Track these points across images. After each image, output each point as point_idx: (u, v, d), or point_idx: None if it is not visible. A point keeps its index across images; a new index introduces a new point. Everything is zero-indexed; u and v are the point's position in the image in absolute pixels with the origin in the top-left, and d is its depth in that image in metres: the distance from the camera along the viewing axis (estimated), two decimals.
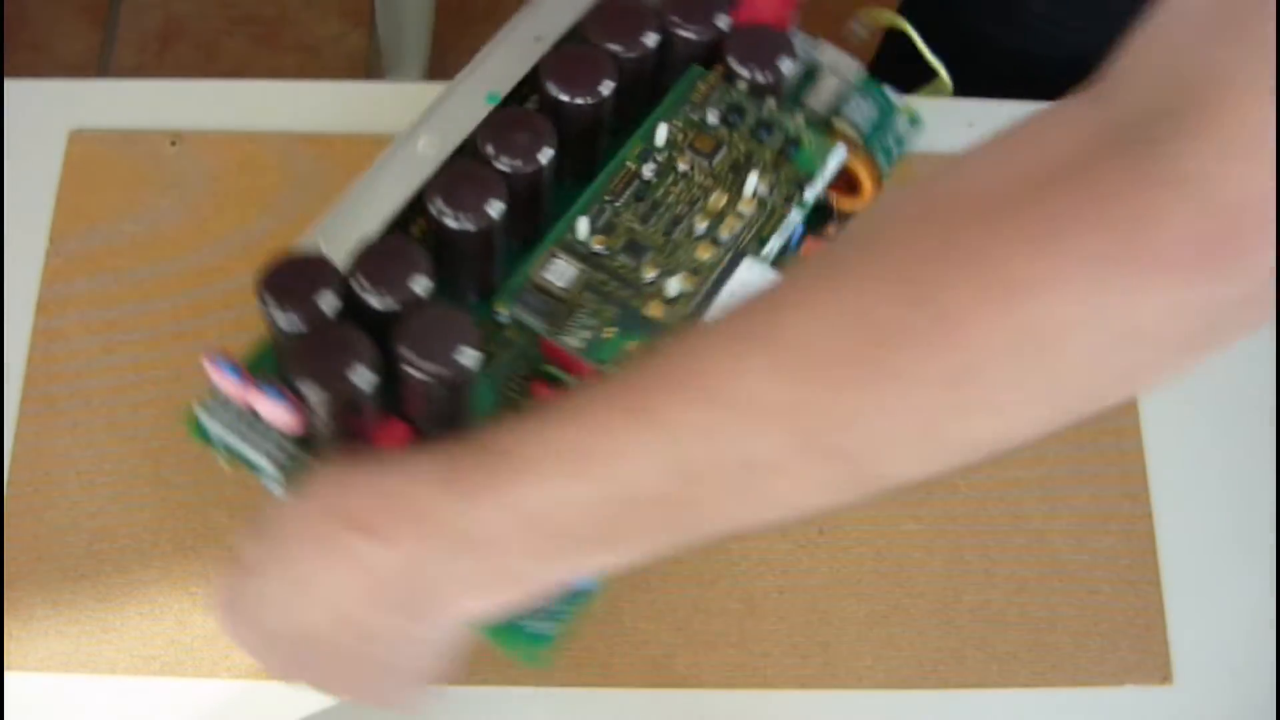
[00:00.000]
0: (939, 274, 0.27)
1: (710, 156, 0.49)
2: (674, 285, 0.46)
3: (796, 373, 0.28)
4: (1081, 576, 0.54)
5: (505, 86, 0.49)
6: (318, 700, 0.50)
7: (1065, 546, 0.54)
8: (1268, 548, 0.55)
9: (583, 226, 0.47)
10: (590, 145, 0.50)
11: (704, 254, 0.47)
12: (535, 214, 0.49)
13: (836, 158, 0.50)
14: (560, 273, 0.46)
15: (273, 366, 0.45)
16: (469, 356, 0.40)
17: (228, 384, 0.42)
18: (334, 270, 0.42)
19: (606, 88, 0.48)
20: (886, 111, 0.54)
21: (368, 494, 0.34)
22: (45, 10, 1.31)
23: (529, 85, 0.49)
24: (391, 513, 0.33)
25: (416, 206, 0.46)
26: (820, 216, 0.51)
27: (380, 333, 0.41)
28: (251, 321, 0.44)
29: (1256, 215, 0.26)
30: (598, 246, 0.47)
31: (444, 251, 0.45)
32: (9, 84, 0.60)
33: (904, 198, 0.31)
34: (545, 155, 0.46)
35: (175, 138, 0.59)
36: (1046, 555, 0.54)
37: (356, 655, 0.36)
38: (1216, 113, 0.26)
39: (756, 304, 0.31)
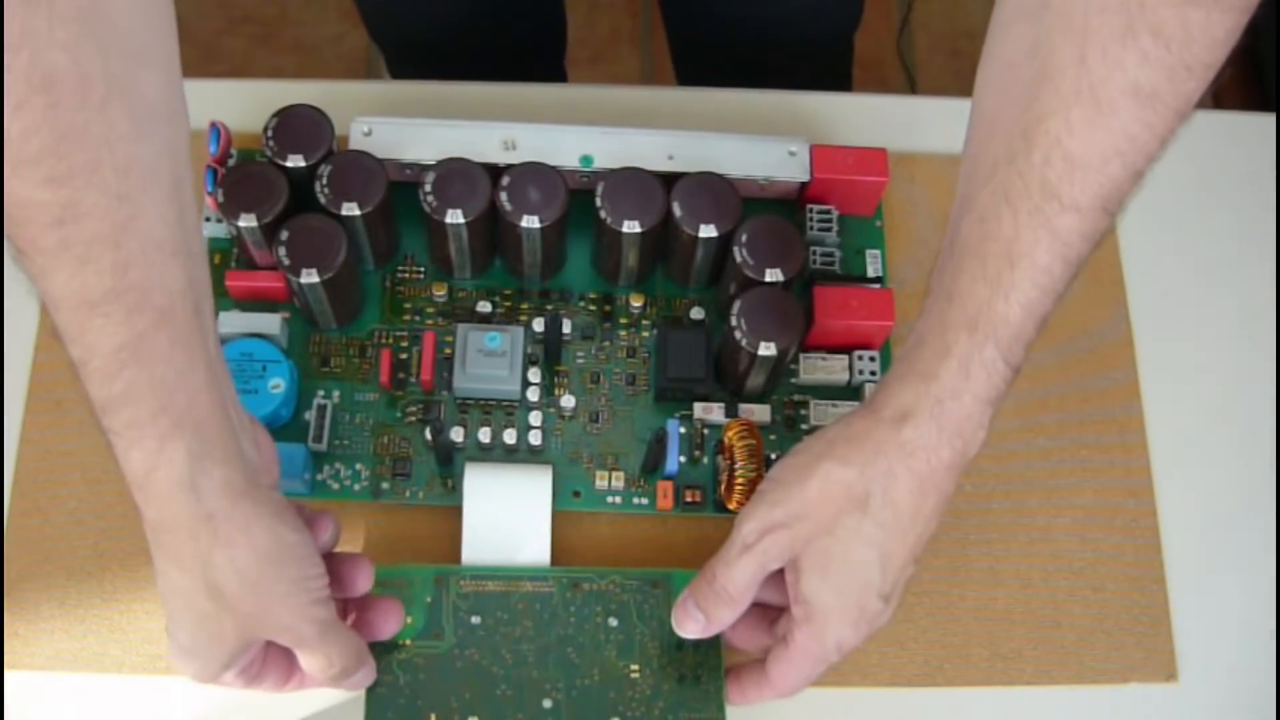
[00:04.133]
0: None
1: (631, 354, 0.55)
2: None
3: None
4: (1087, 574, 0.54)
5: (611, 162, 0.54)
6: (318, 700, 0.50)
7: (1070, 544, 0.55)
8: (1272, 546, 0.55)
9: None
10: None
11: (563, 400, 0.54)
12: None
13: None
14: None
15: None
16: None
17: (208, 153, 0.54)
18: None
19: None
20: None
21: None
22: None
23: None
24: None
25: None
26: None
27: None
28: None
29: None
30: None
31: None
32: None
33: None
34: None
35: None
36: (1050, 553, 0.54)
37: None
38: None
39: None
